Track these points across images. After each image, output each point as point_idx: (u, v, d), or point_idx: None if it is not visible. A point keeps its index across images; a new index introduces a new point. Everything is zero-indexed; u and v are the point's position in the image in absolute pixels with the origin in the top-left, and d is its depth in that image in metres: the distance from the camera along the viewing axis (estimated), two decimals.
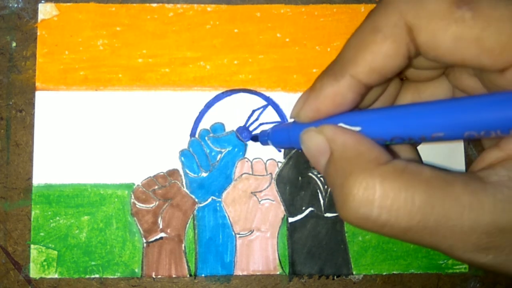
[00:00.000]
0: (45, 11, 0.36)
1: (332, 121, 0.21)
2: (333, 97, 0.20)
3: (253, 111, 0.36)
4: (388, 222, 0.17)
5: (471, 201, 0.17)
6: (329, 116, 0.21)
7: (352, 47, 0.21)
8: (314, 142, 0.21)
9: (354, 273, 0.35)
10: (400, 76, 0.25)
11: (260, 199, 0.35)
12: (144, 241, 0.34)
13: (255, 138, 0.34)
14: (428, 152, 0.34)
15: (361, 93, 0.21)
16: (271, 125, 0.34)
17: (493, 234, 0.17)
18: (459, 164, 0.35)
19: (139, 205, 0.35)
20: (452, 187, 0.17)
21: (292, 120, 0.24)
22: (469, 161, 0.35)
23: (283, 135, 0.26)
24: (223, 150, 0.35)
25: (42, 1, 0.36)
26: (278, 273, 0.34)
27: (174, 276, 0.34)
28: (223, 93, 0.36)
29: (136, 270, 0.34)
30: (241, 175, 0.35)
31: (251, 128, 0.36)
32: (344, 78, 0.20)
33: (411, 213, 0.17)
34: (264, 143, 0.30)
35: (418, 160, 0.25)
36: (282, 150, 0.35)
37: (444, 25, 0.18)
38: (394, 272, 0.35)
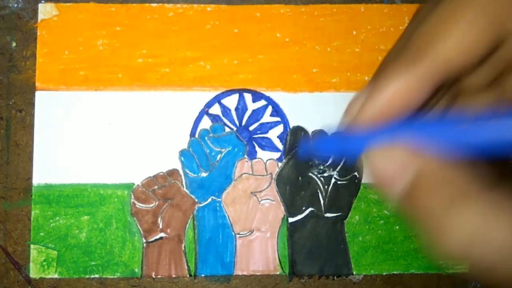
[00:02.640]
0: (45, 11, 0.36)
1: (405, 130, 0.17)
2: (406, 92, 0.16)
3: (253, 111, 0.36)
4: (492, 259, 0.15)
5: None
6: (393, 120, 0.17)
7: (432, 25, 0.17)
8: (389, 164, 0.17)
9: (354, 273, 0.35)
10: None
11: (260, 199, 0.35)
12: (144, 241, 0.34)
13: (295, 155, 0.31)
14: None
15: (436, 86, 0.17)
16: (269, 125, 0.34)
17: None
18: None
19: (139, 205, 0.35)
20: None
21: (338, 125, 0.20)
22: None
23: (335, 146, 0.21)
24: (223, 150, 0.35)
25: (42, 1, 0.36)
26: (278, 273, 0.34)
27: (174, 276, 0.34)
28: (223, 93, 0.36)
29: (136, 270, 0.34)
30: (241, 175, 0.35)
31: (251, 128, 0.36)
32: (423, 63, 0.16)
33: None
34: (303, 158, 0.27)
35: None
36: (281, 149, 0.35)
37: None
38: (394, 272, 0.35)
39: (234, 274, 0.34)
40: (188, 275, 0.34)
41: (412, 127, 0.17)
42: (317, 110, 0.35)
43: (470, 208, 0.15)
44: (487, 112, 0.18)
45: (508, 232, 0.15)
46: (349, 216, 0.35)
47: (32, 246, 0.34)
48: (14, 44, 0.35)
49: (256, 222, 0.35)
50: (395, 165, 0.17)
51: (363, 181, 0.35)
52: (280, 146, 0.36)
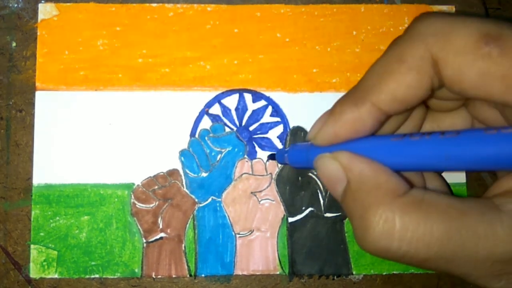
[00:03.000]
0: (45, 11, 0.36)
1: (349, 146, 0.21)
2: (352, 123, 0.21)
3: (253, 111, 0.36)
4: (407, 253, 0.18)
5: (486, 231, 0.17)
6: (346, 141, 0.21)
7: (375, 74, 0.21)
8: (330, 169, 0.21)
9: (354, 273, 0.35)
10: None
11: (260, 199, 0.35)
12: (144, 241, 0.34)
13: (272, 156, 0.33)
14: None
15: (381, 120, 0.21)
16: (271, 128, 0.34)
17: (507, 262, 0.18)
18: (459, 176, 0.35)
19: (139, 205, 0.35)
20: (468, 218, 0.18)
21: (309, 141, 0.24)
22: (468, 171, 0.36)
23: (301, 156, 0.25)
24: (223, 150, 0.35)
25: (42, 1, 0.36)
26: (278, 273, 0.34)
27: (174, 276, 0.34)
28: (223, 93, 0.36)
29: (136, 270, 0.34)
30: (241, 175, 0.35)
31: (251, 128, 0.36)
32: (365, 105, 0.20)
33: (430, 244, 0.18)
34: (281, 161, 0.29)
35: (439, 179, 0.25)
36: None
37: (471, 61, 0.18)
38: (394, 272, 0.35)
39: (234, 274, 0.34)
40: (188, 275, 0.34)
41: (357, 143, 0.21)
42: (317, 110, 0.35)
43: (385, 211, 0.18)
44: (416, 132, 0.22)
45: (415, 227, 0.18)
46: None
47: (32, 246, 0.34)
48: (14, 44, 0.35)
49: (256, 222, 0.35)
50: (335, 172, 0.21)
51: None
52: (280, 146, 0.36)
